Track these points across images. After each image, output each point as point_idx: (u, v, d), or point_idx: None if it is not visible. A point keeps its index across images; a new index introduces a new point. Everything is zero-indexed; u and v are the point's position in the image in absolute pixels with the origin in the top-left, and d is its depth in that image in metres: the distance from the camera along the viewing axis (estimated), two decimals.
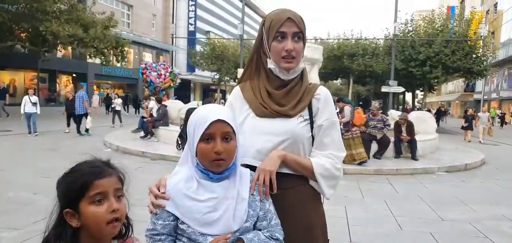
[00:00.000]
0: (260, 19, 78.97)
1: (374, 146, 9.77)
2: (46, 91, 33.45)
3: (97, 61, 27.78)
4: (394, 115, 12.17)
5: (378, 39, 29.96)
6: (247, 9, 63.51)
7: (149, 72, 26.80)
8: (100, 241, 1.17)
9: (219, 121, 1.32)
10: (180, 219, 1.32)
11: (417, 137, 10.25)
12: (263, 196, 1.42)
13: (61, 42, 22.05)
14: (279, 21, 1.51)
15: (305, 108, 1.58)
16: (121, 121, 17.76)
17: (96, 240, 1.16)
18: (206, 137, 1.32)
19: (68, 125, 13.99)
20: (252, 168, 1.50)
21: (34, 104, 12.82)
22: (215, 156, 1.31)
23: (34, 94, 13.51)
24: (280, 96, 1.57)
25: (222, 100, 47.44)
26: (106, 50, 24.15)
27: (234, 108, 1.62)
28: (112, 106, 19.01)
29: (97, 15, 23.85)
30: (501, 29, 41.50)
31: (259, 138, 1.54)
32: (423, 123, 12.63)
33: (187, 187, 1.33)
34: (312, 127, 1.59)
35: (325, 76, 33.88)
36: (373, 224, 4.98)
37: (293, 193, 1.54)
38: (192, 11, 50.77)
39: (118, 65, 32.94)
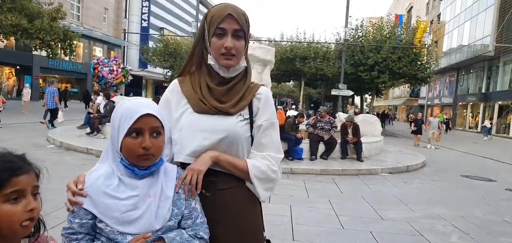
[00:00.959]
0: None
1: (322, 147, 10.06)
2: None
3: (44, 53, 26.33)
4: (342, 117, 12.60)
5: (329, 43, 30.85)
6: (201, 7, 62.96)
7: (101, 68, 25.93)
8: (9, 241, 1.08)
9: (148, 115, 1.30)
10: (98, 217, 1.27)
11: (362, 139, 10.69)
12: (188, 196, 1.40)
13: (2, 31, 20.69)
14: (219, 17, 1.48)
15: (246, 107, 1.56)
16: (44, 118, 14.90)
17: (4, 240, 1.08)
18: (133, 131, 1.29)
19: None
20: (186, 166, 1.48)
21: None
22: (143, 151, 1.28)
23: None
24: (221, 92, 1.54)
25: None
26: (53, 43, 22.98)
27: (171, 102, 1.57)
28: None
29: (44, 6, 22.62)
30: (444, 39, 44.19)
31: (196, 135, 1.49)
32: (369, 125, 13.20)
33: (107, 184, 1.29)
34: (251, 127, 1.57)
35: (278, 77, 34.39)
36: (316, 223, 5.13)
37: (228, 194, 1.53)
38: (146, 6, 49.51)
39: (66, 58, 31.44)
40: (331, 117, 10.94)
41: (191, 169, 1.44)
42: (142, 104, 1.32)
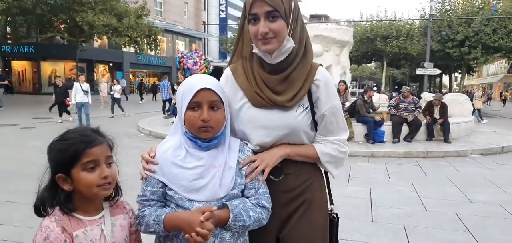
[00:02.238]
0: None
1: (405, 129, 9.55)
2: (84, 80, 34.78)
3: (132, 50, 28.55)
4: (427, 97, 11.80)
5: (413, 20, 28.95)
6: None
7: (186, 60, 27.46)
8: (92, 201, 1.25)
9: (205, 89, 1.35)
10: (168, 185, 1.36)
11: (450, 120, 9.92)
12: (249, 180, 1.43)
13: (96, 32, 22.81)
14: (249, 2, 1.40)
15: (304, 95, 1.50)
16: (122, 110, 15.70)
17: (89, 201, 1.24)
18: (193, 105, 1.35)
19: (60, 114, 13.42)
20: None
21: (86, 92, 11.67)
22: (202, 123, 1.34)
23: (85, 81, 12.37)
24: (276, 82, 1.48)
25: None
26: (139, 39, 24.79)
27: (227, 94, 1.52)
28: (111, 93, 16.98)
29: (130, 4, 24.42)
30: None
31: (258, 131, 1.51)
32: (458, 105, 12.19)
33: (175, 155, 1.38)
34: (313, 114, 1.53)
35: (358, 59, 33.22)
36: (397, 204, 4.92)
37: (294, 177, 1.56)
38: None
39: (152, 53, 33.72)
40: (415, 98, 10.30)
41: (261, 160, 1.47)
42: (201, 79, 1.38)
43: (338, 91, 9.70)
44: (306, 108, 1.51)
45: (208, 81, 1.38)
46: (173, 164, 1.37)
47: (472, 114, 12.95)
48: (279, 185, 1.54)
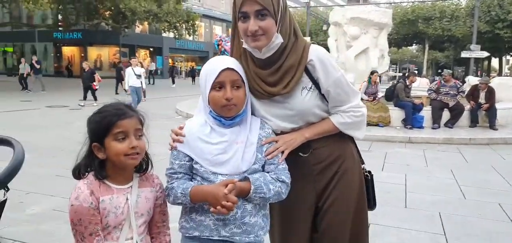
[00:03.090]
0: None
1: (446, 114, 9.21)
2: (127, 63, 36.05)
3: (171, 35, 29.17)
4: (472, 81, 11.27)
5: (459, 0, 27.51)
6: None
7: (224, 43, 27.78)
8: (123, 171, 1.37)
9: (228, 69, 1.43)
10: (194, 159, 1.47)
11: (497, 105, 9.44)
12: (270, 158, 1.51)
13: (138, 17, 23.53)
14: (240, 1, 1.44)
15: (299, 80, 1.54)
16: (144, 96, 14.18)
17: (119, 170, 1.36)
18: (217, 85, 1.43)
19: (85, 97, 13.59)
20: None
21: (139, 76, 11.33)
22: (225, 102, 1.42)
23: (138, 65, 11.92)
24: (268, 75, 1.53)
25: None
26: (178, 24, 25.26)
27: None
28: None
29: None
30: None
31: (270, 119, 1.59)
32: (507, 90, 11.56)
33: (201, 131, 1.48)
34: (319, 90, 1.58)
35: (398, 42, 32.13)
36: (433, 191, 4.80)
37: (322, 150, 1.65)
38: None
39: (190, 38, 34.29)
40: (458, 81, 9.87)
41: (283, 142, 1.56)
42: (223, 61, 1.46)
43: (369, 81, 9.46)
44: (311, 88, 1.57)
45: (230, 62, 1.46)
46: (199, 139, 1.46)
47: None
48: (310, 159, 1.64)
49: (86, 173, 1.34)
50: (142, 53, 37.82)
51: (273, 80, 1.53)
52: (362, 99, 7.98)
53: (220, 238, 1.46)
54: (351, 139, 1.75)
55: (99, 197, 1.30)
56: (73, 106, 13.02)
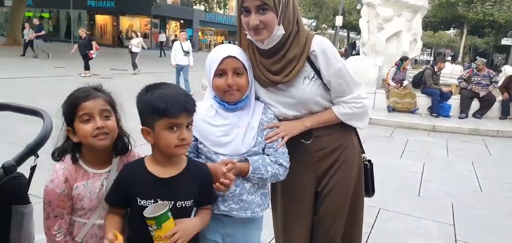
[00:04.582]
0: None
1: (476, 104, 8.95)
2: (157, 35, 36.63)
3: (202, 8, 29.30)
4: (508, 71, 10.82)
5: None
6: None
7: None
8: (99, 153, 1.39)
9: (229, 57, 1.52)
10: (199, 139, 1.58)
11: None
12: (269, 142, 1.60)
13: None
14: None
15: (301, 69, 1.60)
16: (134, 68, 14.37)
17: (95, 152, 1.39)
18: (219, 72, 1.52)
19: (86, 68, 12.77)
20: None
21: (187, 53, 10.09)
22: (227, 88, 1.52)
23: (186, 39, 10.57)
24: (271, 63, 1.61)
25: None
26: None
27: None
28: (129, 47, 15.31)
29: None
30: None
31: (275, 106, 1.67)
32: None
33: (207, 114, 1.58)
34: (322, 78, 1.64)
35: (434, 25, 30.90)
36: (450, 182, 4.77)
37: (324, 139, 1.74)
38: None
39: (221, 12, 34.28)
40: (491, 71, 9.50)
41: (284, 128, 1.64)
42: (225, 49, 1.56)
43: (399, 68, 9.26)
44: (313, 78, 1.63)
45: (232, 50, 1.55)
46: (204, 121, 1.57)
47: None
48: (312, 146, 1.73)
49: (64, 156, 1.39)
50: (173, 25, 38.19)
51: (276, 69, 1.61)
52: (389, 85, 7.88)
53: (219, 212, 1.57)
54: (353, 129, 1.82)
55: (74, 184, 1.36)
56: (103, 75, 13.37)
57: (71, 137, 1.37)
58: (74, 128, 1.36)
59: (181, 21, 37.94)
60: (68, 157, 1.39)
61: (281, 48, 1.59)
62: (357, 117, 1.74)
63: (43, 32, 18.31)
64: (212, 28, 42.36)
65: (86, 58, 12.72)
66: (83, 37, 13.14)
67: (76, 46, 13.69)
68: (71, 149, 1.39)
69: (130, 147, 1.49)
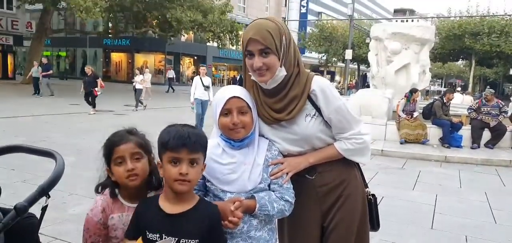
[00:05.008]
0: None
1: (487, 135, 8.92)
2: (205, 73, 37.28)
3: (215, 44, 29.99)
4: None
5: (509, 15, 26.21)
6: None
7: None
8: (133, 190, 1.52)
9: (234, 97, 1.60)
10: (206, 177, 1.62)
11: None
12: (274, 178, 1.67)
13: (183, 27, 24.37)
14: (245, 41, 1.61)
15: (303, 107, 1.68)
16: (140, 103, 14.54)
17: (129, 189, 1.53)
18: (225, 112, 1.60)
19: (92, 105, 12.81)
20: None
21: (207, 88, 9.80)
22: (233, 126, 1.59)
23: (206, 74, 10.44)
24: (274, 102, 1.69)
25: (332, 82, 46.94)
26: (222, 34, 25.86)
27: None
28: (133, 84, 15.14)
29: (215, 1, 25.59)
30: None
31: (278, 142, 1.73)
32: None
33: (213, 153, 1.62)
34: (322, 115, 1.71)
35: (443, 56, 30.99)
36: (463, 214, 4.75)
37: (327, 174, 1.80)
38: None
39: (233, 48, 34.96)
40: (500, 101, 9.51)
41: (288, 164, 1.71)
42: (230, 89, 1.65)
43: (409, 100, 9.35)
44: (314, 115, 1.71)
45: (236, 91, 1.64)
46: (211, 159, 1.62)
47: None
48: (316, 181, 1.79)
49: (104, 190, 1.55)
50: (187, 61, 39.05)
51: (279, 107, 1.69)
52: (399, 117, 7.94)
53: None
54: (355, 164, 1.88)
55: (110, 214, 1.51)
56: (118, 111, 13.65)
57: (110, 175, 1.53)
58: (111, 168, 1.51)
59: (195, 58, 38.77)
60: (107, 191, 1.55)
61: (283, 88, 1.68)
62: (359, 153, 1.79)
63: (50, 72, 18.79)
64: (225, 64, 43.13)
65: (92, 96, 12.87)
66: (89, 74, 13.26)
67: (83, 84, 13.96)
68: (111, 185, 1.54)
69: (162, 185, 1.57)
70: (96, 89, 12.82)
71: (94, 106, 12.81)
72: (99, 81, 13.23)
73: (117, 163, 1.49)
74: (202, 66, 11.21)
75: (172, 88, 26.41)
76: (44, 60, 19.17)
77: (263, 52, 1.58)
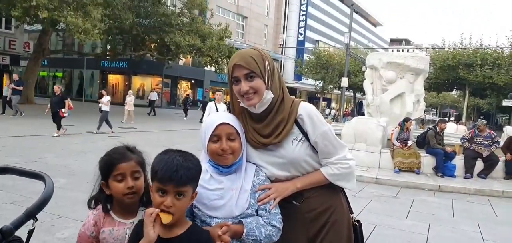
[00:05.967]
0: (371, 27, 76.35)
1: (480, 165, 8.97)
2: (168, 94, 37.49)
3: (212, 69, 30.19)
4: (510, 131, 10.90)
5: (501, 48, 26.74)
6: (358, 17, 62.03)
7: None
8: (127, 206, 1.56)
9: (223, 124, 1.62)
10: (193, 203, 1.59)
11: None
12: (261, 204, 1.67)
13: (182, 51, 24.54)
14: (231, 68, 1.66)
15: (290, 132, 1.71)
16: (110, 127, 13.78)
17: (123, 205, 1.56)
18: (214, 138, 1.62)
19: (57, 127, 11.81)
20: None
21: None
22: (222, 152, 1.60)
23: (222, 100, 10.07)
24: (262, 127, 1.72)
25: (327, 109, 47.24)
26: (220, 59, 26.06)
27: None
28: (99, 105, 14.34)
29: (214, 27, 25.91)
30: None
31: (265, 166, 1.75)
32: None
33: (202, 178, 1.58)
34: (309, 142, 1.74)
35: (438, 86, 31.43)
36: None
37: (313, 200, 1.80)
38: (303, 21, 51.77)
39: None
40: (492, 132, 9.61)
41: (276, 190, 1.71)
42: (220, 116, 1.67)
43: (402, 129, 9.44)
44: (301, 139, 1.73)
45: (226, 117, 1.67)
46: (199, 185, 1.61)
47: None
48: (303, 207, 1.79)
49: (97, 205, 1.58)
50: (184, 84, 39.24)
51: (267, 132, 1.71)
52: (393, 145, 7.98)
53: None
54: (341, 189, 1.90)
55: (101, 228, 1.54)
56: (111, 133, 13.57)
57: (105, 189, 1.56)
58: (108, 183, 1.54)
59: (192, 81, 38.99)
60: (99, 207, 1.58)
61: (270, 113, 1.72)
62: (345, 178, 1.81)
63: (21, 88, 17.46)
64: (222, 88, 43.36)
65: (58, 117, 11.88)
66: (57, 94, 12.29)
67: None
68: (104, 200, 1.57)
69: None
70: (62, 110, 11.91)
71: (58, 128, 11.86)
72: (67, 102, 12.25)
73: (117, 180, 1.52)
74: (218, 91, 10.76)
75: (154, 111, 25.73)
76: (15, 77, 17.99)
77: (248, 76, 1.63)
